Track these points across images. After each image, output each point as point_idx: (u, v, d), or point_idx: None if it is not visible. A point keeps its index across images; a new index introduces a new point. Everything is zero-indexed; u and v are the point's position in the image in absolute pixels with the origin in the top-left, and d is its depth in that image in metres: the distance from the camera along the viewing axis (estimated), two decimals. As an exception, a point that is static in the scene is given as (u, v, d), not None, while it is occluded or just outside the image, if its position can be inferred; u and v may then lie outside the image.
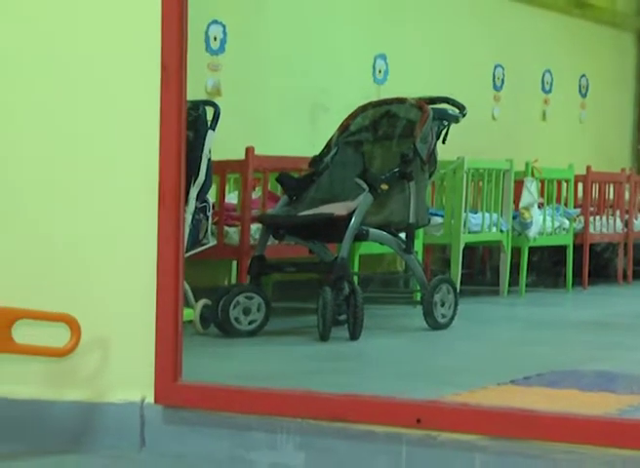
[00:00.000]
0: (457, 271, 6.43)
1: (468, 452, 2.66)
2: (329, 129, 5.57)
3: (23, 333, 3.06)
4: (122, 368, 3.13)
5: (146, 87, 3.05)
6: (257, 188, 5.74)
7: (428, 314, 5.22)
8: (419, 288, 5.49)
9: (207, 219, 5.09)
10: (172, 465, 2.94)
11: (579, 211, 7.51)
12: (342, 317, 4.93)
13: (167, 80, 3.04)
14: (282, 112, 6.26)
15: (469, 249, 6.65)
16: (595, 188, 7.67)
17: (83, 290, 3.18)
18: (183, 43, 3.06)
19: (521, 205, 7.05)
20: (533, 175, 7.17)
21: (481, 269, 7.30)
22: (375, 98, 5.85)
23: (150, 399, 3.06)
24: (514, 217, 6.98)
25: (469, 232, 6.62)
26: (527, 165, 7.12)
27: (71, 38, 3.23)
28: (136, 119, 3.10)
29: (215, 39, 5.93)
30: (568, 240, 7.31)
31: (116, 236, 3.16)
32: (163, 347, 3.04)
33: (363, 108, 5.58)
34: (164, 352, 3.04)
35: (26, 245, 3.28)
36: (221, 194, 5.60)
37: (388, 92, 6.34)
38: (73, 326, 3.08)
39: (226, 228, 5.53)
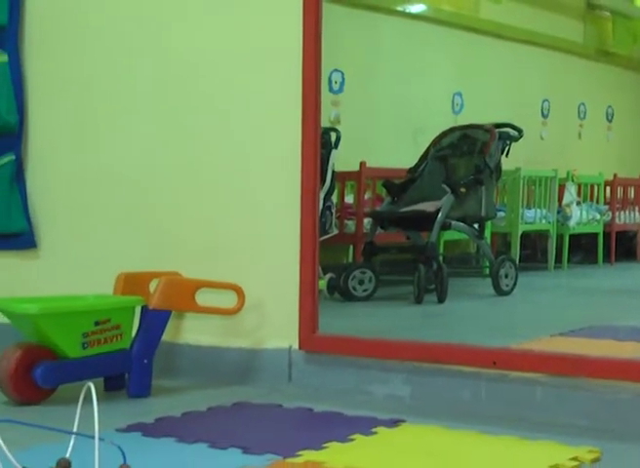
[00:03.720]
0: (516, 252, 6.42)
1: (531, 387, 2.63)
2: (421, 147, 5.60)
3: (204, 298, 3.09)
4: (274, 323, 3.14)
5: (292, 117, 3.05)
6: (367, 192, 5.74)
7: (495, 284, 5.20)
8: (487, 264, 5.47)
9: (331, 215, 5.11)
10: (311, 394, 2.94)
11: (607, 207, 7.44)
12: (432, 286, 4.91)
13: (306, 112, 3.04)
14: (386, 135, 6.25)
15: (525, 235, 6.60)
16: (620, 190, 7.62)
17: (246, 265, 3.19)
18: (317, 85, 3.07)
19: (563, 203, 7.02)
20: (572, 180, 7.14)
21: (534, 251, 7.22)
22: (454, 125, 5.84)
23: (295, 346, 3.07)
24: (558, 212, 6.94)
25: (525, 223, 6.59)
26: (568, 173, 7.10)
27: (232, 81, 3.25)
28: (284, 140, 3.10)
29: (335, 82, 5.92)
30: (599, 228, 7.24)
31: (269, 225, 3.16)
32: (304, 308, 3.05)
33: (447, 132, 5.61)
34: (305, 311, 3.05)
35: (203, 234, 3.31)
36: (342, 196, 5.61)
37: (464, 119, 6.33)
38: (239, 292, 3.10)
39: (346, 221, 5.54)
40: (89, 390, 1.57)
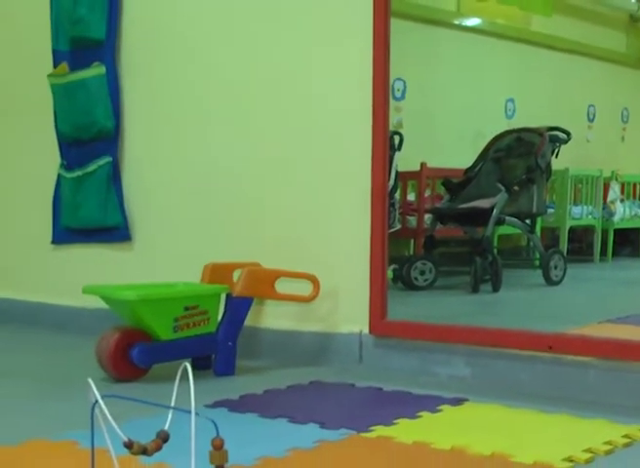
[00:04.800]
0: (564, 245, 6.37)
1: (584, 369, 2.60)
2: (478, 149, 5.58)
3: (282, 286, 3.09)
4: (347, 309, 3.14)
5: (363, 122, 3.04)
6: (427, 190, 5.72)
7: (546, 275, 5.15)
8: (538, 256, 5.44)
9: (395, 211, 5.10)
10: (380, 375, 2.93)
11: (649, 204, 7.38)
12: (487, 277, 4.88)
13: (376, 118, 3.04)
14: (444, 138, 6.23)
15: (572, 230, 6.54)
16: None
17: (321, 257, 3.19)
18: (386, 94, 3.06)
19: (608, 200, 6.93)
20: (616, 179, 7.06)
21: (580, 244, 7.14)
22: (507, 128, 5.80)
23: (366, 330, 3.06)
24: (603, 208, 6.86)
25: (572, 218, 6.53)
26: (612, 172, 7.01)
27: (310, 92, 3.25)
28: (356, 144, 3.09)
29: (398, 90, 5.91)
30: (640, 224, 7.21)
31: (342, 220, 3.16)
32: (374, 295, 3.04)
33: (501, 135, 5.57)
34: (375, 299, 3.04)
35: (282, 228, 3.32)
36: (404, 194, 5.58)
37: (516, 124, 6.28)
38: (315, 281, 3.10)
39: (408, 217, 5.52)
40: (184, 369, 1.57)
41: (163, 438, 1.60)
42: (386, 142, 3.06)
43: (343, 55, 3.14)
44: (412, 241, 5.66)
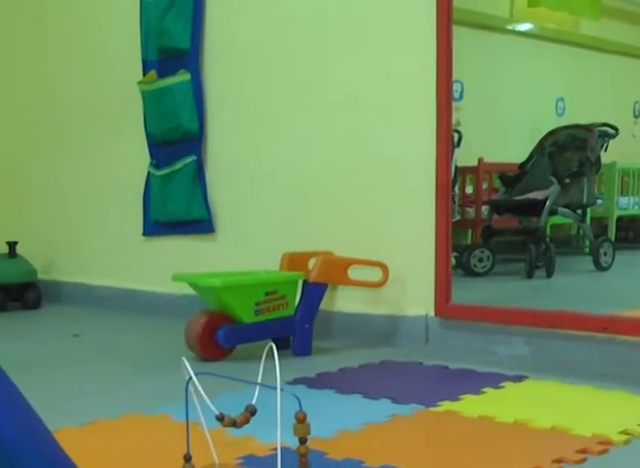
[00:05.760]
0: (612, 234, 6.28)
1: (637, 349, 2.56)
2: (530, 144, 5.53)
3: (353, 273, 3.09)
4: (414, 294, 3.12)
5: (428, 122, 3.02)
6: (484, 183, 5.67)
7: (596, 261, 5.07)
8: (588, 244, 5.36)
9: (454, 203, 5.06)
10: (445, 354, 2.91)
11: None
12: (540, 263, 4.83)
13: (440, 117, 3.02)
14: (499, 135, 6.16)
15: (619, 219, 6.44)
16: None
17: (390, 245, 3.17)
18: (450, 92, 3.04)
19: (653, 191, 6.84)
20: (662, 171, 6.94)
21: (627, 233, 7.03)
22: (558, 125, 5.74)
23: (431, 313, 3.04)
24: (649, 199, 6.77)
25: (619, 209, 6.43)
26: (657, 165, 6.91)
27: (378, 95, 3.24)
28: (422, 142, 3.08)
29: (456, 91, 5.86)
30: (686, 213, 7.07)
31: (410, 212, 3.14)
32: (439, 280, 3.02)
33: (553, 131, 5.52)
34: (440, 284, 3.02)
35: (352, 219, 3.31)
36: (462, 187, 5.54)
37: (566, 121, 6.21)
38: (384, 268, 3.09)
39: (466, 209, 5.48)
40: (270, 348, 1.57)
41: (251, 411, 1.60)
42: (449, 140, 3.05)
43: (411, 61, 3.12)
44: (470, 231, 5.61)
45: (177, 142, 3.81)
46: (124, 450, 1.85)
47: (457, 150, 5.00)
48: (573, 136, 5.47)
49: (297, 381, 2.49)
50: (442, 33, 2.99)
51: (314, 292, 3.01)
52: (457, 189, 5.22)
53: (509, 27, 6.68)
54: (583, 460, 1.75)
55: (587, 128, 5.42)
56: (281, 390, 1.53)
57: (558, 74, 7.04)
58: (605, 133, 5.40)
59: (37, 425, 1.00)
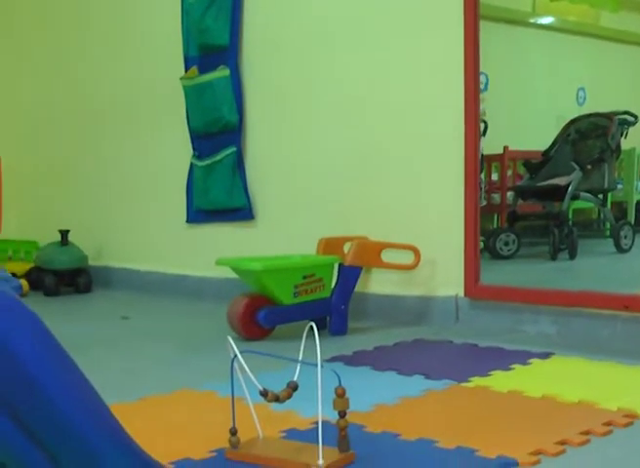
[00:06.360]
0: (631, 217, 6.22)
1: (659, 325, 2.56)
2: (553, 132, 5.49)
3: (387, 256, 3.09)
4: (444, 275, 3.11)
5: (457, 111, 3.01)
6: (509, 170, 5.64)
7: (616, 243, 5.04)
8: (609, 227, 5.32)
9: (480, 190, 5.02)
10: (475, 333, 2.90)
11: None
12: (563, 246, 4.80)
13: (468, 108, 3.01)
14: (523, 123, 6.12)
15: (639, 203, 6.38)
16: None
17: (421, 230, 3.16)
18: (477, 84, 3.03)
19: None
20: (680, 157, 6.87)
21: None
22: (579, 114, 5.70)
23: (461, 294, 3.04)
24: (668, 184, 6.71)
25: (639, 193, 6.38)
26: (675, 151, 6.84)
27: (407, 87, 3.22)
28: (450, 132, 3.07)
29: (481, 83, 5.82)
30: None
31: (440, 199, 3.14)
32: (468, 263, 3.01)
33: (575, 119, 5.48)
34: (469, 265, 3.01)
35: (386, 205, 3.30)
36: (489, 174, 5.52)
37: (586, 110, 6.16)
38: (416, 251, 3.08)
39: (492, 194, 5.45)
40: (310, 327, 1.58)
41: (293, 387, 1.61)
42: (477, 130, 3.03)
43: (441, 55, 3.11)
44: (496, 216, 5.59)
45: (217, 134, 3.81)
46: (174, 425, 1.86)
47: (482, 139, 4.97)
48: (594, 123, 5.42)
49: (334, 359, 2.49)
50: (469, 28, 2.97)
51: (350, 274, 3.01)
52: (483, 176, 5.20)
53: (532, 21, 6.62)
54: (609, 433, 1.75)
55: (608, 116, 5.37)
56: (321, 367, 1.54)
57: (579, 65, 6.98)
58: (625, 120, 5.35)
59: (100, 405, 1.01)
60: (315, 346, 1.52)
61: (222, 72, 3.74)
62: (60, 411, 0.94)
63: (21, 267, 4.49)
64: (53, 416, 0.93)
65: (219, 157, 3.81)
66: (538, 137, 6.02)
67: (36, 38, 4.93)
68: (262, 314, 2.87)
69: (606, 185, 5.19)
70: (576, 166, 5.05)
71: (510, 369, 2.34)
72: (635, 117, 5.38)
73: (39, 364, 0.90)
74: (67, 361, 0.95)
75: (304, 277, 2.93)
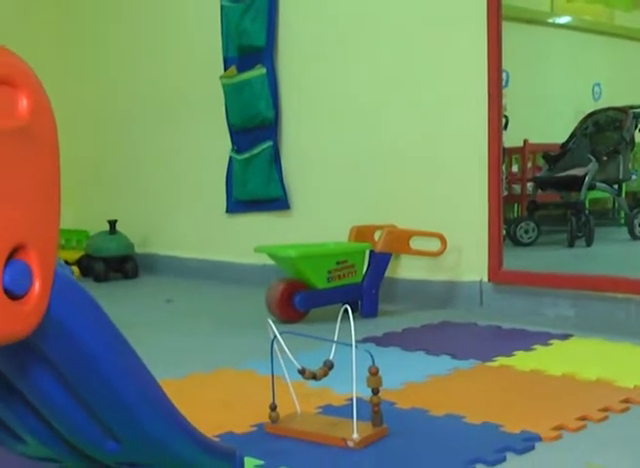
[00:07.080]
0: (646, 206, 6.19)
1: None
2: (571, 126, 5.45)
3: (415, 243, 3.08)
4: (469, 261, 3.10)
5: (481, 107, 3.00)
6: (529, 162, 5.60)
7: (631, 231, 5.00)
8: (623, 216, 5.28)
9: (502, 180, 5.00)
10: (498, 316, 2.89)
11: None
12: (580, 234, 4.77)
13: (491, 103, 2.99)
14: (542, 118, 6.07)
15: (653, 193, 6.33)
16: None
17: (447, 218, 3.15)
18: (500, 81, 3.00)
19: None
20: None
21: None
22: (595, 109, 5.65)
23: (485, 279, 3.02)
24: (680, 174, 6.62)
25: (653, 183, 6.33)
26: (687, 143, 6.75)
27: (435, 83, 3.20)
28: (475, 126, 3.05)
29: (503, 80, 5.79)
30: None
31: (465, 188, 3.12)
32: (492, 249, 3.00)
33: (591, 113, 5.45)
34: (493, 252, 2.99)
35: (414, 195, 3.29)
36: (509, 166, 5.48)
37: (602, 104, 6.10)
38: (442, 239, 3.07)
39: (513, 185, 5.42)
40: (345, 310, 1.58)
41: (329, 366, 1.61)
42: (500, 125, 3.02)
43: (465, 54, 3.09)
44: (516, 205, 5.56)
45: (255, 129, 3.82)
46: (217, 400, 1.87)
47: (504, 133, 4.94)
48: (610, 117, 5.38)
49: (365, 340, 2.49)
50: (492, 28, 2.95)
51: (380, 260, 3.01)
52: (504, 168, 5.16)
53: (550, 21, 6.56)
54: (627, 409, 1.73)
55: (623, 110, 5.33)
56: (356, 347, 1.54)
57: (595, 62, 6.91)
58: (639, 114, 5.30)
59: (153, 384, 1.02)
60: (349, 328, 1.52)
61: (259, 71, 3.74)
62: (116, 390, 0.94)
63: (73, 255, 4.53)
64: (110, 395, 0.94)
65: (256, 151, 3.82)
66: (556, 131, 5.97)
67: (101, 37, 4.95)
68: (298, 298, 2.87)
69: (621, 176, 5.15)
70: (592, 157, 5.01)
71: (532, 349, 2.33)
72: (649, 111, 5.34)
73: (96, 343, 0.90)
74: (122, 340, 0.96)
75: (338, 263, 2.92)
